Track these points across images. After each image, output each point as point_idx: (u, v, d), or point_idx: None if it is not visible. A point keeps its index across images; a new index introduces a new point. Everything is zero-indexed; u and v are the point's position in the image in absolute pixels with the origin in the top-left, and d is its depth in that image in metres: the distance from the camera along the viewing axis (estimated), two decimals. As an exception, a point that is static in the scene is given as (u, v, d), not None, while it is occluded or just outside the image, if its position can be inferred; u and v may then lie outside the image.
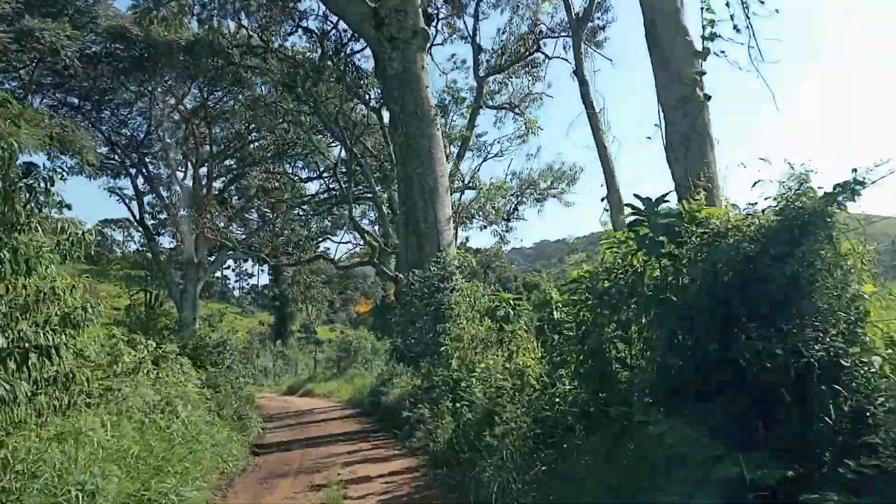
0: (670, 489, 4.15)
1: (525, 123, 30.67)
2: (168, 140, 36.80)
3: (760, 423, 4.16)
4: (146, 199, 35.62)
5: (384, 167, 30.45)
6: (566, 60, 27.81)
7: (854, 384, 4.05)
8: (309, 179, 37.89)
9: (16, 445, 5.33)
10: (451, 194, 21.42)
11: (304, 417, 18.16)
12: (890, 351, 4.29)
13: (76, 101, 33.77)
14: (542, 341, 7.07)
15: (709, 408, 4.36)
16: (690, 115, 8.19)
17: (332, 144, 33.38)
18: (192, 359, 13.50)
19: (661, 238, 5.19)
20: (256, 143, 36.93)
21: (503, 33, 29.45)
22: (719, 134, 11.30)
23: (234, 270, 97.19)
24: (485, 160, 32.63)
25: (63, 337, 6.30)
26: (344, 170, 30.95)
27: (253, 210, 41.16)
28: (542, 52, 28.85)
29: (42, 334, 6.06)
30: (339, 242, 38.94)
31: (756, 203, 4.94)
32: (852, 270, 4.42)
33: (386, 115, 28.07)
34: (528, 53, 28.24)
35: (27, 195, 6.39)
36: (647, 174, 16.37)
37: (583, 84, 17.74)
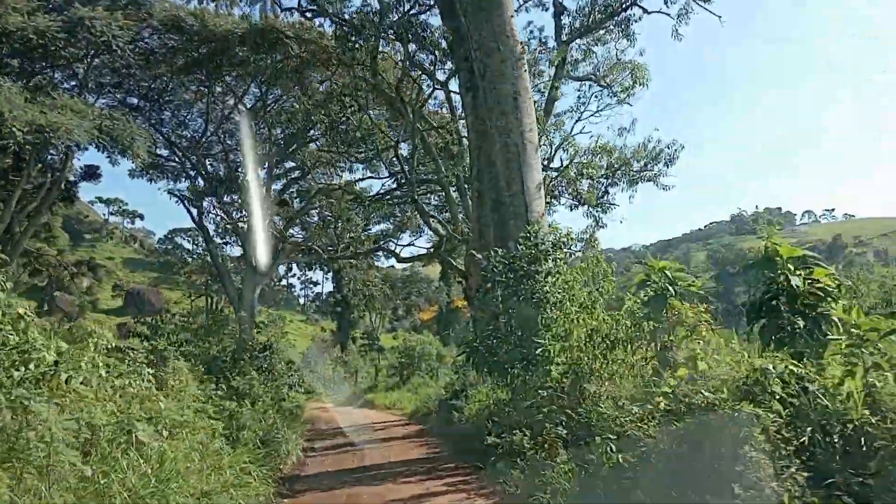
0: None
1: (631, 72, 26.52)
2: (228, 141, 36.07)
3: None
4: (205, 201, 34.70)
5: (450, 147, 27.51)
6: (667, 15, 24.55)
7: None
8: (368, 178, 36.12)
9: None
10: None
11: (359, 435, 15.37)
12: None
13: (135, 101, 33.28)
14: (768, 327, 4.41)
15: None
16: None
17: (394, 123, 30.79)
18: (219, 366, 11.32)
19: None
20: (317, 142, 35.47)
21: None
22: None
23: (299, 279, 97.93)
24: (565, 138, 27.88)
25: None
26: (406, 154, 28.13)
27: (314, 213, 39.90)
28: (639, 5, 24.96)
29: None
30: (402, 245, 36.67)
31: None
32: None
33: (454, 88, 25.33)
34: (621, 8, 24.64)
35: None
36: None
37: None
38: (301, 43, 27.87)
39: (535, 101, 25.66)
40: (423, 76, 26.97)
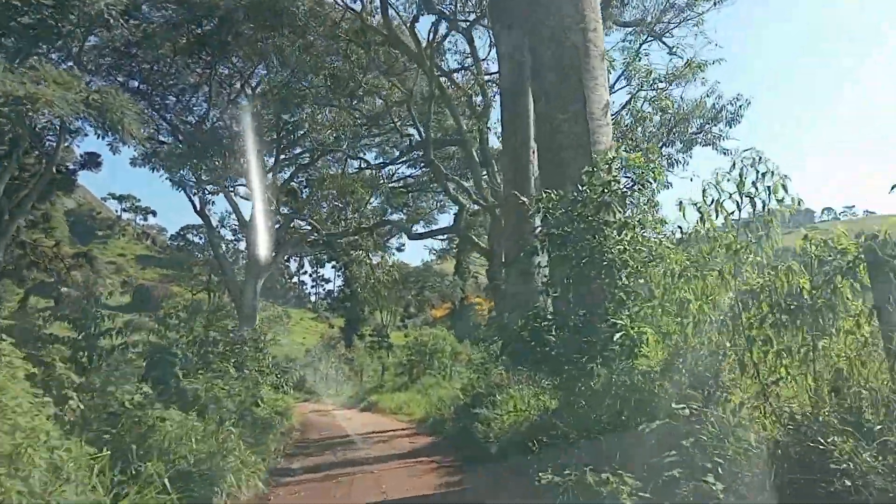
0: None
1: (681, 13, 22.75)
2: (234, 127, 34.54)
3: None
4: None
5: (473, 101, 24.85)
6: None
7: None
8: (383, 165, 34.19)
9: None
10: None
11: (354, 450, 12.18)
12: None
13: (137, 84, 31.79)
14: None
15: None
16: None
17: (408, 66, 27.11)
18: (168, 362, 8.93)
19: None
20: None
21: None
22: None
23: (310, 276, 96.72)
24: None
25: None
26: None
27: (323, 202, 38.23)
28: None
29: None
30: (416, 234, 34.68)
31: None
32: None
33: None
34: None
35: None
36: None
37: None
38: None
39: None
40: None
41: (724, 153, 23.66)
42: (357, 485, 9.14)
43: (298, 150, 35.94)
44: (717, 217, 5.37)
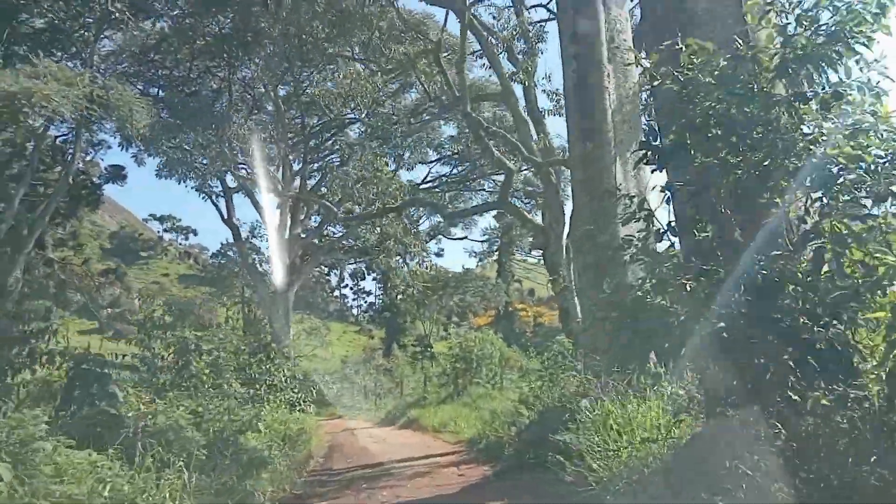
0: None
1: None
2: (259, 131, 33.14)
3: None
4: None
5: (513, 48, 20.30)
6: None
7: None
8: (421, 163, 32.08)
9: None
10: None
11: (387, 485, 8.78)
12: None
13: (157, 91, 30.59)
14: None
15: None
16: None
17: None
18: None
19: None
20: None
21: None
22: None
23: (351, 289, 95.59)
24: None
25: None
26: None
27: (354, 205, 36.46)
28: None
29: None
30: (454, 238, 32.55)
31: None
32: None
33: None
34: None
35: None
36: None
37: None
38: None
39: None
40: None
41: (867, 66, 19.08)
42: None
43: (326, 153, 34.32)
44: None
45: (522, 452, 8.86)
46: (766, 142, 3.97)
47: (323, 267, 74.15)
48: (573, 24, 8.81)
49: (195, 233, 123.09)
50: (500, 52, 20.13)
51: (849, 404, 3.32)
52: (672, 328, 4.03)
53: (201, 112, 27.57)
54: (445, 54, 20.57)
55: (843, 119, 3.73)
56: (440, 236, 38.85)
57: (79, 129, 26.11)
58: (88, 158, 31.63)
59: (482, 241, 46.03)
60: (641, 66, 5.04)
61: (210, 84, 31.23)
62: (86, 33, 25.80)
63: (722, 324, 3.73)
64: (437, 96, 24.16)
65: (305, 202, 28.52)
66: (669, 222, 4.56)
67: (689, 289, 4.07)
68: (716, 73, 4.14)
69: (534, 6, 21.94)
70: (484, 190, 34.25)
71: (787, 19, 4.13)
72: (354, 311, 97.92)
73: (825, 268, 3.67)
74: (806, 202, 3.91)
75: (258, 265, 33.07)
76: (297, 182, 31.77)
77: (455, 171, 31.29)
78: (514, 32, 20.08)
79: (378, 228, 29.25)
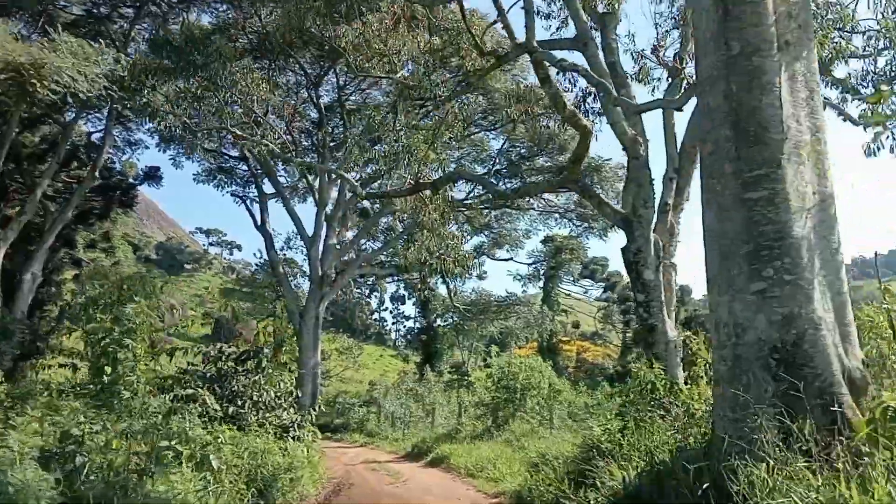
0: None
1: None
2: (304, 142, 31.73)
3: None
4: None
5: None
6: None
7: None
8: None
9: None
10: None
11: None
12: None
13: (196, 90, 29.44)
14: None
15: None
16: None
17: None
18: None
19: None
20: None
21: None
22: None
23: (391, 312, 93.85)
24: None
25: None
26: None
27: (397, 221, 34.62)
28: None
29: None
30: (500, 259, 30.09)
31: None
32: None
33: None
34: None
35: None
36: None
37: None
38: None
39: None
40: None
41: None
42: None
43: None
44: None
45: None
46: None
47: (364, 288, 72.63)
48: None
49: (239, 248, 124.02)
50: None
51: None
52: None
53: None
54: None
55: None
56: (484, 257, 36.55)
57: (108, 121, 24.99)
58: (125, 158, 30.67)
59: (528, 265, 43.61)
60: None
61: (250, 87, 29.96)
62: (124, 24, 24.82)
63: None
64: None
65: (328, 174, 26.29)
66: None
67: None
68: None
69: None
70: (533, 209, 31.91)
71: None
72: (392, 335, 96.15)
73: None
74: None
75: (289, 277, 31.30)
76: (336, 192, 29.96)
77: (504, 183, 29.07)
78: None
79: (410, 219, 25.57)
